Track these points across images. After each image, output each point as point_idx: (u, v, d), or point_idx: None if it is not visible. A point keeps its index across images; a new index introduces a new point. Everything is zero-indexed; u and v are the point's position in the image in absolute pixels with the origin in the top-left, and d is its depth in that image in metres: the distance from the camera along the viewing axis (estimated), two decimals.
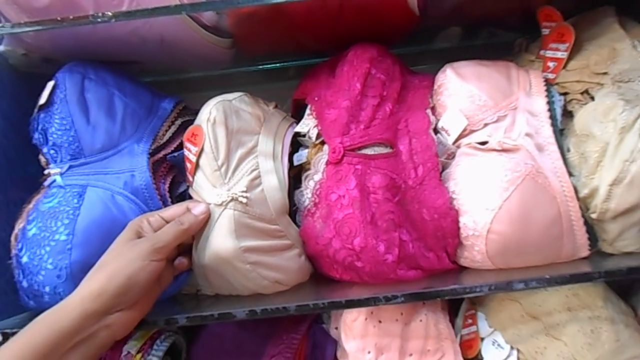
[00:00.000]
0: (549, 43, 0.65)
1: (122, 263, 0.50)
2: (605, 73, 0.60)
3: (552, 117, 0.60)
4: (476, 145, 0.58)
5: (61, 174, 0.58)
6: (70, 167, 0.58)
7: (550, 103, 0.61)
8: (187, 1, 0.59)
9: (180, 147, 0.67)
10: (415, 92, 0.64)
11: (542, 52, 0.66)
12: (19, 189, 0.66)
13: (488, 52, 0.72)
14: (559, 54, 0.63)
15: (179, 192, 0.68)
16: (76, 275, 0.53)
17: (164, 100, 0.68)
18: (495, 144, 0.57)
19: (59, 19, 0.55)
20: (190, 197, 0.62)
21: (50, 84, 0.59)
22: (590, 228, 0.58)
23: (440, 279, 0.59)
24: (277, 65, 0.84)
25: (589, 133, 0.57)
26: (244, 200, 0.56)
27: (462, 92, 0.61)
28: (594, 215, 0.56)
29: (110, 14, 0.55)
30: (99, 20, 0.55)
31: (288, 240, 0.60)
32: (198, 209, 0.55)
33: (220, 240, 0.55)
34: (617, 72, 0.59)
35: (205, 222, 0.56)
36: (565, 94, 0.63)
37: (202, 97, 0.68)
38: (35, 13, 0.56)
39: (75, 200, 0.56)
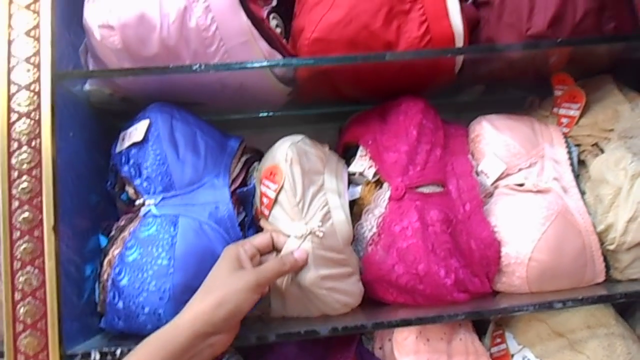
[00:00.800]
0: (563, 102, 0.78)
1: (230, 291, 0.56)
2: (611, 130, 0.73)
3: (572, 165, 0.72)
4: (514, 187, 0.70)
5: (155, 205, 0.64)
6: (163, 198, 0.64)
7: (569, 152, 0.73)
8: (268, 54, 0.68)
9: (244, 182, 0.75)
10: (455, 140, 0.76)
11: (555, 110, 0.79)
12: (84, 217, 0.71)
13: (499, 106, 0.84)
14: (571, 112, 0.77)
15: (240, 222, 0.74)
16: (177, 297, 0.59)
17: (231, 139, 0.75)
18: (531, 185, 0.68)
19: (165, 67, 0.62)
20: (258, 227, 0.70)
21: (146, 122, 0.66)
22: (604, 258, 0.70)
23: (479, 302, 0.69)
24: (317, 111, 0.93)
25: (602, 179, 0.70)
26: (321, 235, 0.64)
27: (498, 141, 0.72)
28: (611, 247, 0.68)
29: (210, 64, 0.63)
30: (199, 70, 0.63)
31: (350, 267, 0.69)
32: (300, 255, 0.62)
33: (302, 270, 0.63)
34: (621, 129, 0.73)
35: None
36: (577, 145, 0.76)
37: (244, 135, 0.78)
38: (141, 60, 0.63)
39: (172, 229, 0.62)
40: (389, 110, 0.76)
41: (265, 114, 0.95)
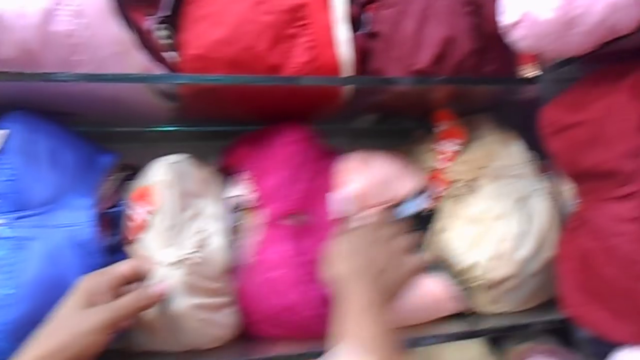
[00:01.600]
0: (444, 138, 0.79)
1: (76, 333, 0.50)
2: (486, 167, 0.75)
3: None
4: None
5: (5, 225, 0.57)
6: (16, 218, 0.58)
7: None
8: (145, 68, 0.64)
9: (117, 202, 0.70)
10: (327, 171, 0.75)
11: (438, 145, 0.80)
12: None
13: (394, 135, 0.86)
14: (452, 148, 0.78)
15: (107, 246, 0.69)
16: (19, 330, 0.53)
17: (103, 156, 0.70)
18: None
19: (18, 73, 0.57)
20: (127, 252, 0.65)
21: (3, 133, 0.59)
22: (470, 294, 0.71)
23: None
24: (206, 129, 0.89)
25: (465, 217, 0.72)
26: (195, 262, 0.61)
27: (351, 187, 0.72)
28: (475, 284, 0.69)
29: (75, 74, 0.58)
30: (62, 79, 0.57)
31: (226, 297, 0.66)
32: (159, 289, 0.58)
33: (174, 299, 0.59)
34: (495, 167, 0.75)
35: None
36: (456, 180, 0.77)
37: (127, 149, 0.72)
38: None
39: (20, 253, 0.56)
40: (271, 135, 0.74)
41: (151, 129, 0.89)
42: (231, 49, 0.64)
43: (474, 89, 0.74)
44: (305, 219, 0.68)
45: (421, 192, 0.75)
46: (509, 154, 0.77)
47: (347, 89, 0.72)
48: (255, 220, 0.69)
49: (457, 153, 0.78)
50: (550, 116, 0.62)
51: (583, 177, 0.60)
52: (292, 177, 0.69)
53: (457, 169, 0.77)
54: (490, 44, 0.75)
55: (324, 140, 0.82)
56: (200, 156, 0.76)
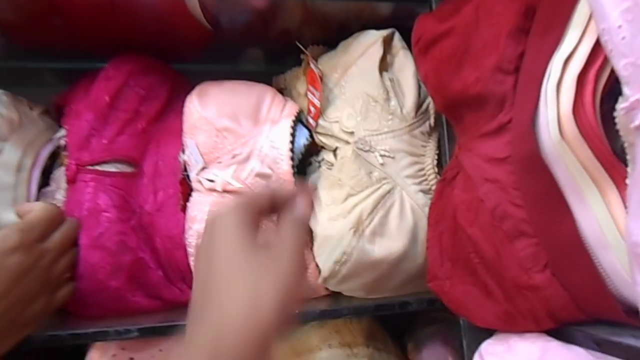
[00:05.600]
0: (309, 85, 0.61)
1: None
2: (352, 132, 0.57)
3: (292, 151, 0.58)
4: (203, 183, 0.56)
5: None
6: None
7: (292, 135, 0.58)
8: None
9: None
10: (176, 116, 0.62)
11: (308, 93, 0.62)
12: None
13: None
14: (315, 100, 0.60)
15: None
16: None
17: None
18: (219, 185, 0.55)
19: None
20: None
21: None
22: None
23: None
24: (46, 65, 0.76)
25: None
26: None
27: (200, 124, 0.57)
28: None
29: None
30: None
31: None
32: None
33: None
34: (361, 134, 0.56)
35: None
36: (321, 149, 0.62)
37: None
38: None
39: None
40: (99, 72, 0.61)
41: None
42: None
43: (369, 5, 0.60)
44: (117, 168, 0.57)
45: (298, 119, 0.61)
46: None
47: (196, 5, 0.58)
48: (60, 174, 0.58)
49: (319, 108, 0.59)
50: (421, 28, 0.48)
51: (455, 109, 0.46)
52: (102, 118, 0.57)
53: (323, 131, 0.61)
54: None
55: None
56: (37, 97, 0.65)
